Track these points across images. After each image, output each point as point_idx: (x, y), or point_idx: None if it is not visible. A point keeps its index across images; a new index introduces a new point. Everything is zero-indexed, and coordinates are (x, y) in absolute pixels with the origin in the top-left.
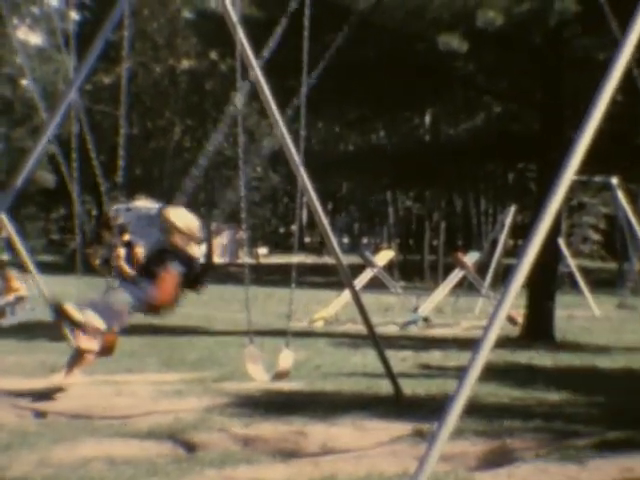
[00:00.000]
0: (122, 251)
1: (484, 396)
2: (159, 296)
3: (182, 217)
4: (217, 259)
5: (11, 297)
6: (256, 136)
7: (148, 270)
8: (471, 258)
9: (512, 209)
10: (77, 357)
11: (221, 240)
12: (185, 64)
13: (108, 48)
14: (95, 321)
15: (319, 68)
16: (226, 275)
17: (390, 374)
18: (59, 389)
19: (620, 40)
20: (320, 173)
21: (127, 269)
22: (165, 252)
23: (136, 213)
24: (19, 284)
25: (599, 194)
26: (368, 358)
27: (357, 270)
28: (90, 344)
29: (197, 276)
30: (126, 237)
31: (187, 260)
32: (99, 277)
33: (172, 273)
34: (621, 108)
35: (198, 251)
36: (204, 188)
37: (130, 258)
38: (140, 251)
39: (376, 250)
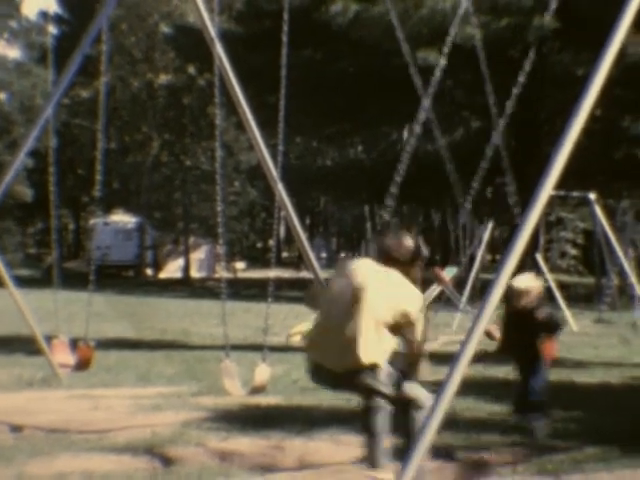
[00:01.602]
0: None
1: (461, 411)
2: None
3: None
4: (194, 273)
5: None
6: (234, 151)
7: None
8: (449, 273)
9: (490, 224)
10: None
11: (199, 254)
12: (163, 79)
13: (86, 62)
14: None
15: (298, 83)
16: (203, 289)
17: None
18: None
19: (598, 56)
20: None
21: None
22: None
23: (113, 227)
24: None
25: (577, 209)
26: None
27: None
28: (66, 358)
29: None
30: None
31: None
32: (75, 291)
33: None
34: (599, 124)
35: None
36: (182, 202)
37: None
38: None
39: None
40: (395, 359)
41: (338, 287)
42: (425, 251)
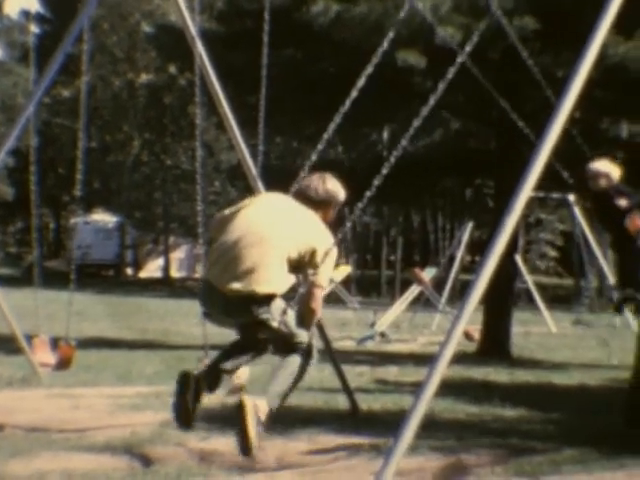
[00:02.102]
0: None
1: (440, 412)
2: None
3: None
4: (175, 273)
5: None
6: (214, 150)
7: None
8: (428, 274)
9: (469, 225)
10: None
11: (179, 254)
12: (144, 78)
13: (68, 61)
14: None
15: (278, 83)
16: (183, 289)
17: (347, 389)
18: None
19: (578, 57)
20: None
21: None
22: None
23: (94, 226)
24: None
25: (556, 211)
26: (325, 373)
27: None
28: (46, 357)
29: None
30: None
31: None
32: (56, 290)
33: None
34: (578, 125)
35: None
36: (162, 202)
37: None
38: None
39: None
40: (292, 298)
41: (247, 214)
42: (342, 196)
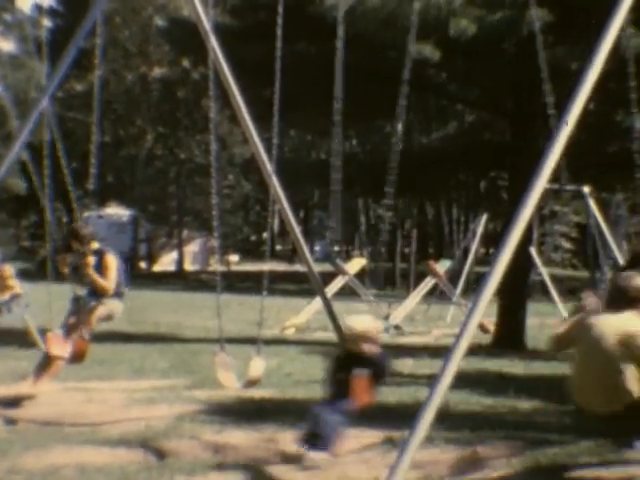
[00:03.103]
0: (91, 259)
1: (455, 404)
2: (360, 402)
3: (365, 323)
4: (188, 266)
5: (7, 296)
6: (228, 144)
7: (336, 380)
8: (443, 266)
9: (484, 217)
10: (45, 364)
11: (192, 247)
12: (157, 72)
13: (80, 56)
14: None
15: (292, 76)
16: (197, 282)
17: None
18: (27, 397)
19: (592, 50)
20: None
21: (96, 277)
22: (348, 360)
23: (107, 220)
24: (14, 282)
25: (571, 203)
26: None
27: (329, 278)
28: (61, 351)
29: (382, 368)
30: (95, 245)
31: (370, 360)
32: (69, 284)
33: (362, 378)
34: (593, 117)
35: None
36: (175, 195)
37: (99, 266)
38: (111, 259)
39: (348, 258)
40: None
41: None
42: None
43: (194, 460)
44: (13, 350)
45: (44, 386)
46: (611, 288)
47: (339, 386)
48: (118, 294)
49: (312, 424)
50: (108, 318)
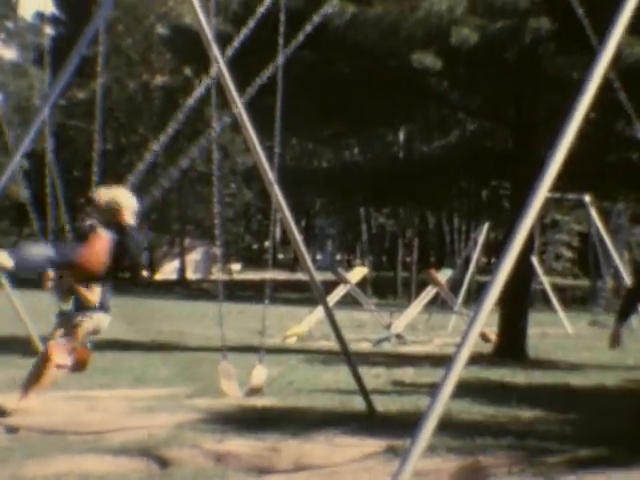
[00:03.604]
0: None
1: (457, 413)
2: (85, 255)
3: (111, 193)
4: (190, 275)
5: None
6: (230, 152)
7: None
8: (444, 275)
9: (485, 226)
10: (33, 379)
11: (194, 256)
12: (159, 80)
13: (83, 63)
14: None
15: (294, 85)
16: (199, 291)
17: (363, 391)
18: (10, 412)
19: (594, 58)
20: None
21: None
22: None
23: None
24: None
25: (572, 212)
26: (341, 374)
27: (330, 286)
28: (63, 359)
29: (135, 249)
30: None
31: (119, 228)
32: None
33: (102, 236)
34: (594, 127)
35: (130, 218)
36: (177, 204)
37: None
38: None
39: (349, 267)
40: None
41: None
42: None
43: (196, 469)
44: (14, 359)
45: (30, 403)
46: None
47: None
48: (104, 307)
49: None
50: (95, 332)
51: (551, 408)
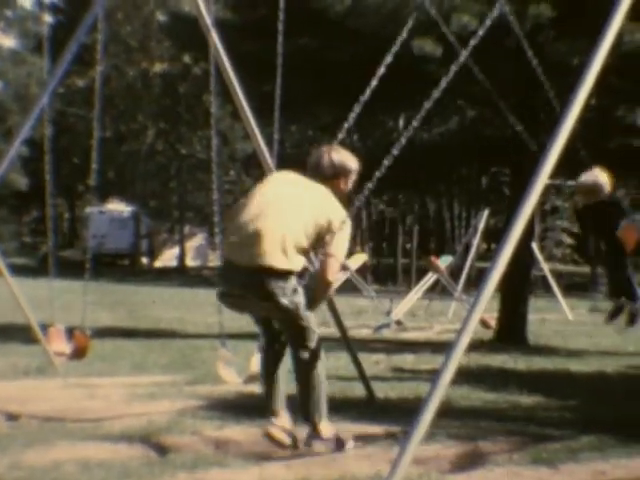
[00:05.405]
0: None
1: (457, 399)
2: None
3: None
4: (190, 262)
5: None
6: (229, 139)
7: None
8: (444, 262)
9: (485, 213)
10: None
11: (194, 243)
12: (158, 67)
13: (82, 51)
14: None
15: (293, 71)
16: (199, 278)
17: (363, 377)
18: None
19: (594, 45)
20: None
21: None
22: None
23: (109, 216)
24: None
25: (572, 198)
26: (341, 361)
27: None
28: (62, 347)
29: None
30: None
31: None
32: (71, 280)
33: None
34: (594, 113)
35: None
36: (177, 191)
37: None
38: None
39: (349, 253)
40: (304, 277)
41: (262, 192)
42: (352, 165)
43: (196, 455)
44: (16, 346)
45: None
46: None
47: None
48: None
49: None
50: None
51: (551, 394)
